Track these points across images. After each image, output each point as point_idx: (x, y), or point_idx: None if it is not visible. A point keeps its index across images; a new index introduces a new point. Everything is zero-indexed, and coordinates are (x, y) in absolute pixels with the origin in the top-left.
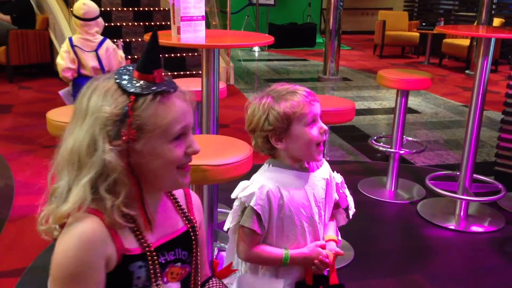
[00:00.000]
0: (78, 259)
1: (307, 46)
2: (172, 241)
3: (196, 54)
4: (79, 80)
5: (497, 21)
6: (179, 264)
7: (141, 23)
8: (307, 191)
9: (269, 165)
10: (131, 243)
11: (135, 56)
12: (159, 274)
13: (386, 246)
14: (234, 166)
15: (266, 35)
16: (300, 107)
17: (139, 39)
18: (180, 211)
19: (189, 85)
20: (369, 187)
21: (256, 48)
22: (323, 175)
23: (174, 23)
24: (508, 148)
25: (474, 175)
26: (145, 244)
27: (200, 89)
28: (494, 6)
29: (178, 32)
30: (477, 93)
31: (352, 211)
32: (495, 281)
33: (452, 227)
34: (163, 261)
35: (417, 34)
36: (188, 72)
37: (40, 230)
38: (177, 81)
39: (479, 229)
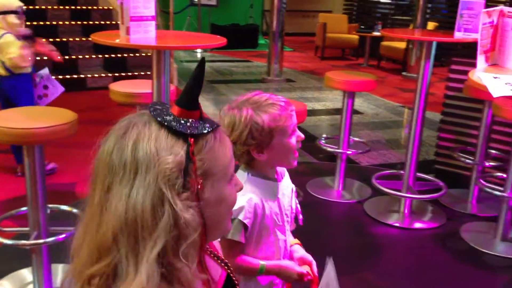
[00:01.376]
0: None
1: (250, 47)
2: None
3: (138, 54)
4: None
5: (431, 25)
6: None
7: (79, 22)
8: (279, 201)
9: (248, 174)
10: None
11: (73, 56)
12: None
13: (335, 245)
14: None
15: (218, 36)
16: (282, 120)
17: (77, 39)
18: (214, 257)
19: (137, 87)
20: (317, 188)
21: (198, 49)
22: (288, 184)
23: (122, 23)
24: (447, 147)
25: (417, 174)
26: None
27: (149, 91)
28: (428, 11)
29: (127, 33)
30: (419, 95)
31: (301, 217)
32: (439, 276)
33: (397, 225)
34: None
35: (356, 37)
36: (130, 74)
37: None
38: (121, 83)
39: (423, 226)
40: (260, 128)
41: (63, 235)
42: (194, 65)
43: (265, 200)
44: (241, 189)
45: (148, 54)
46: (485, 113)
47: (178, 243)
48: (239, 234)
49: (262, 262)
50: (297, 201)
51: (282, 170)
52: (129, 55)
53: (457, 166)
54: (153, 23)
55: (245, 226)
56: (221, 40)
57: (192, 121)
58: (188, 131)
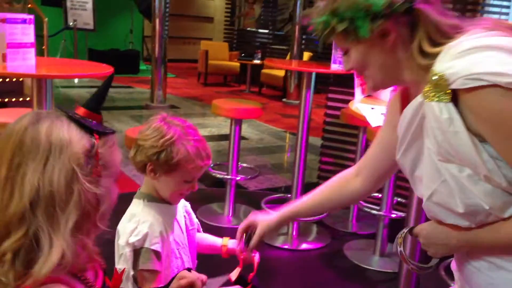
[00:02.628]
0: None
1: (131, 73)
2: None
3: (7, 79)
4: None
5: (306, 55)
6: None
7: None
8: (179, 222)
9: (143, 199)
10: None
11: None
12: None
13: (227, 270)
14: None
15: (104, 64)
16: (192, 165)
17: None
18: None
19: (12, 116)
20: (208, 214)
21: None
22: (183, 203)
23: None
24: (329, 170)
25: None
26: (90, 286)
27: None
28: (303, 41)
29: (4, 60)
30: (302, 122)
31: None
32: None
33: (286, 247)
34: None
35: (237, 64)
36: None
37: None
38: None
39: (310, 246)
40: (170, 155)
41: None
42: (71, 91)
43: (166, 224)
44: (118, 192)
45: (20, 79)
46: (360, 138)
47: (84, 220)
48: (150, 262)
49: None
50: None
51: None
52: None
53: None
54: (33, 50)
55: (155, 252)
56: (108, 69)
57: (95, 122)
58: (94, 128)
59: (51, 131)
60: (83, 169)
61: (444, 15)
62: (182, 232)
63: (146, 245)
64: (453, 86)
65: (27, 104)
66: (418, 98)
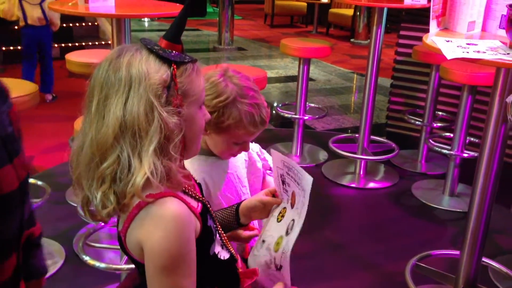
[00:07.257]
0: (180, 240)
1: (198, 15)
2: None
3: (84, 24)
4: (26, 29)
5: None
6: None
7: None
8: (231, 176)
9: None
10: (193, 203)
11: (16, 26)
12: (216, 222)
13: None
14: None
15: (177, 4)
16: (242, 131)
17: None
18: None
19: (94, 57)
20: None
21: (146, 18)
22: (242, 154)
23: None
24: (398, 111)
25: (370, 137)
26: (201, 199)
27: None
28: None
29: (86, 1)
30: (372, 60)
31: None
32: (394, 230)
33: (353, 185)
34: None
35: (304, 4)
36: (77, 44)
37: (103, 214)
38: (77, 53)
39: (377, 185)
40: (221, 119)
41: None
42: (141, 34)
43: (211, 179)
44: (208, 119)
45: (96, 23)
46: (432, 77)
47: (166, 144)
48: None
49: None
50: (267, 158)
51: None
52: (75, 25)
53: (407, 128)
54: None
55: None
56: (179, 9)
57: (175, 52)
58: (172, 58)
59: (131, 65)
60: (160, 99)
61: None
62: (235, 186)
63: None
64: None
65: (102, 48)
66: None
